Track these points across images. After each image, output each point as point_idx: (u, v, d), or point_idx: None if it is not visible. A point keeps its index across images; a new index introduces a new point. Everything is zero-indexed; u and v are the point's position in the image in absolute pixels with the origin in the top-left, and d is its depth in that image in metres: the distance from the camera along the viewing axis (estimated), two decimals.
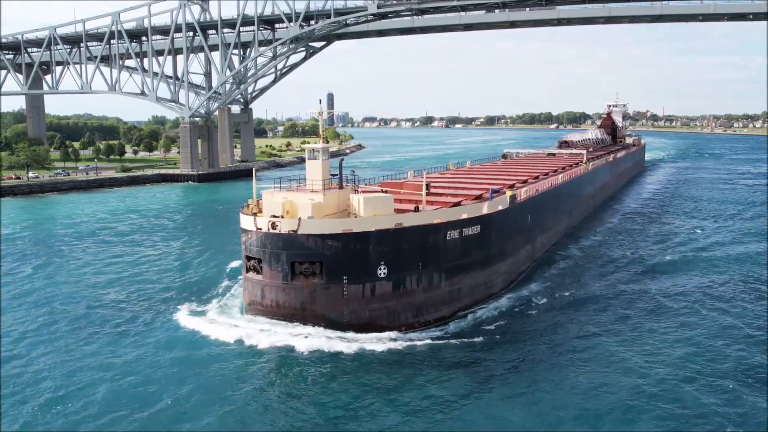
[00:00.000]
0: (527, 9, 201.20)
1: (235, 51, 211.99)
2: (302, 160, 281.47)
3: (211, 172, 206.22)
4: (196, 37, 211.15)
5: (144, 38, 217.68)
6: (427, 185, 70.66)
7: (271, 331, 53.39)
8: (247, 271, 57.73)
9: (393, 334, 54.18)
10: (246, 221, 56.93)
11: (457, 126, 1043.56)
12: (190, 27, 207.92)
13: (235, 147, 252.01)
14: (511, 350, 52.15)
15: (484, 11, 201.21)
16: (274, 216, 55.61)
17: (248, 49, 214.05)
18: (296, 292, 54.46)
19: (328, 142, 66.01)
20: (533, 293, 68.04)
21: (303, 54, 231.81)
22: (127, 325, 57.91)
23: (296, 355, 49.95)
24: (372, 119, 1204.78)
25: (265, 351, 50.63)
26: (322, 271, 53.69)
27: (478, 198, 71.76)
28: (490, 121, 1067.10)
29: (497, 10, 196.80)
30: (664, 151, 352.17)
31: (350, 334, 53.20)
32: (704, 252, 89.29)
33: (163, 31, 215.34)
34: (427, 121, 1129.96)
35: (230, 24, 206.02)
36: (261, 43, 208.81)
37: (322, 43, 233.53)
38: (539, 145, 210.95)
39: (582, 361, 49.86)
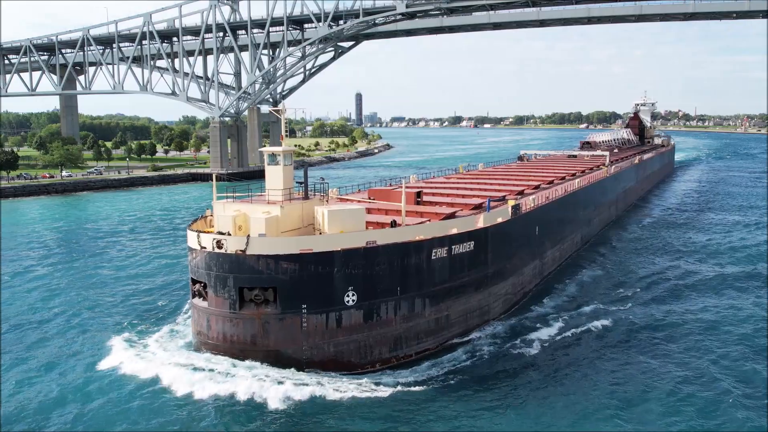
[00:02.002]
0: (556, 7, 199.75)
1: (265, 51, 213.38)
2: (331, 160, 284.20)
3: (241, 171, 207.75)
4: (226, 38, 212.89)
5: (175, 39, 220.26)
6: (418, 193, 65.16)
7: (213, 371, 44.73)
8: (193, 296, 49.60)
9: (362, 376, 45.59)
10: (191, 238, 48.37)
11: (485, 126, 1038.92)
12: (220, 27, 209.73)
13: (264, 146, 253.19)
14: (505, 395, 43.45)
15: (513, 10, 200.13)
16: (220, 233, 47.81)
17: (277, 49, 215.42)
18: (245, 323, 46.12)
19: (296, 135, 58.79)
20: (539, 319, 58.72)
21: (331, 54, 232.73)
22: (50, 350, 51.29)
23: (233, 406, 40.93)
24: (400, 119, 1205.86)
25: (192, 400, 41.61)
26: (276, 299, 45.46)
27: (478, 208, 64.21)
28: (519, 121, 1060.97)
29: (527, 8, 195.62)
30: (695, 152, 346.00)
31: (309, 377, 44.61)
32: (739, 268, 77.83)
33: (194, 31, 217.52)
34: (456, 121, 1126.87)
35: (260, 24, 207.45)
36: (290, 43, 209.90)
37: (351, 43, 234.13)
38: (567, 146, 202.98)
39: (597, 410, 41.22)
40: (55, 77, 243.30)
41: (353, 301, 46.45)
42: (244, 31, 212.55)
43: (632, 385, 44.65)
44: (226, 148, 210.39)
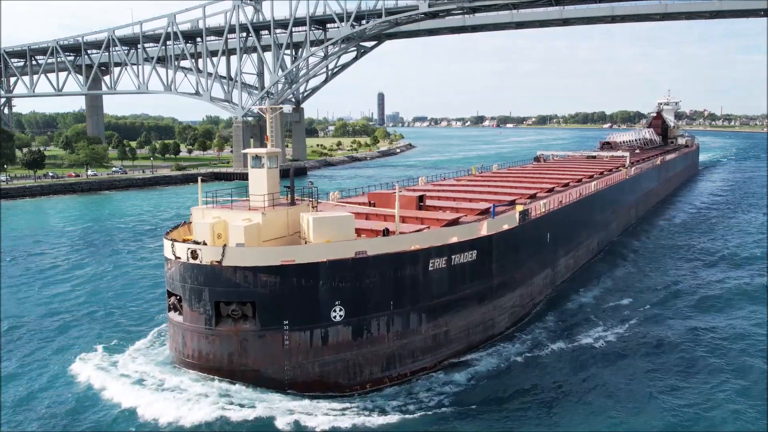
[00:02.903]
0: (580, 6, 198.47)
1: (287, 51, 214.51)
2: (353, 160, 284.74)
3: None
4: (249, 38, 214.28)
5: (199, 39, 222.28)
6: (420, 197, 60.99)
7: (183, 393, 41.20)
8: (169, 310, 46.31)
9: (349, 400, 41.86)
10: (167, 247, 44.86)
11: (508, 126, 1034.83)
12: (243, 28, 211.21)
13: (287, 146, 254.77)
14: (506, 421, 39.54)
15: (536, 9, 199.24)
16: (195, 242, 44.26)
17: (300, 49, 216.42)
18: (222, 340, 42.59)
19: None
20: (549, 334, 54.34)
21: (354, 54, 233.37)
22: (14, 362, 47.93)
23: None
24: (422, 119, 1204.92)
25: (157, 425, 38.01)
26: (255, 314, 41.85)
27: (485, 213, 59.52)
28: (542, 120, 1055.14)
29: (550, 7, 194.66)
30: (721, 152, 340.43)
31: (290, 400, 40.84)
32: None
33: (218, 32, 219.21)
34: (478, 120, 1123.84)
35: (282, 24, 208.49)
36: (312, 43, 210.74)
37: (373, 43, 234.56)
38: (590, 146, 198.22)
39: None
40: (80, 77, 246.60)
41: (341, 316, 42.57)
42: (267, 32, 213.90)
43: (660, 419, 39.20)
44: (249, 148, 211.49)
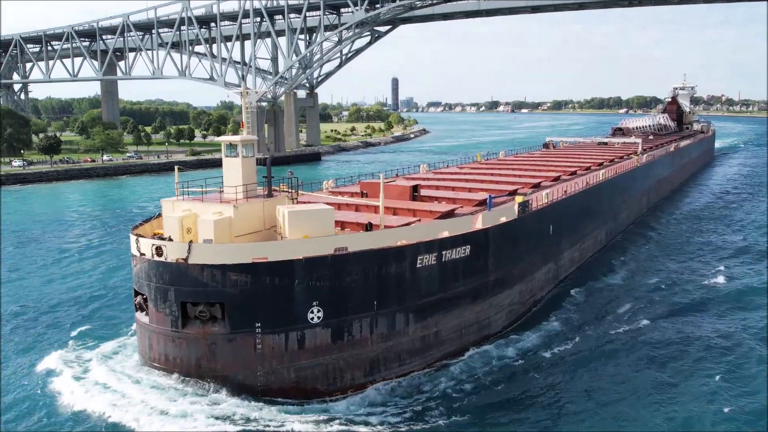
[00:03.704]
0: None
1: (302, 36, 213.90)
2: (367, 145, 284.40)
3: (277, 155, 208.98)
4: (263, 23, 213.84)
5: (213, 24, 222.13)
6: (414, 187, 58.15)
7: (148, 398, 38.40)
8: (136, 310, 43.20)
9: (328, 406, 38.97)
10: (132, 243, 41.62)
11: (523, 111, 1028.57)
12: (257, 13, 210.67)
13: (301, 131, 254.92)
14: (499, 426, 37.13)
15: None
16: (161, 237, 41.77)
17: (314, 34, 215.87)
18: (189, 343, 39.58)
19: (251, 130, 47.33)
20: (550, 333, 50.91)
21: (368, 38, 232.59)
22: None
23: None
24: (436, 104, 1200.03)
25: None
26: (225, 316, 38.80)
27: (483, 204, 56.47)
28: (557, 105, 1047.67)
29: None
30: (738, 137, 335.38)
31: (261, 408, 37.77)
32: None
33: (232, 17, 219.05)
34: (493, 105, 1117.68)
35: (296, 9, 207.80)
36: (326, 28, 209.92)
37: (387, 28, 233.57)
38: (605, 131, 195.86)
39: None
40: (96, 63, 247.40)
41: (319, 318, 39.52)
42: (281, 16, 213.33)
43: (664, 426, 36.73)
44: (263, 133, 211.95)
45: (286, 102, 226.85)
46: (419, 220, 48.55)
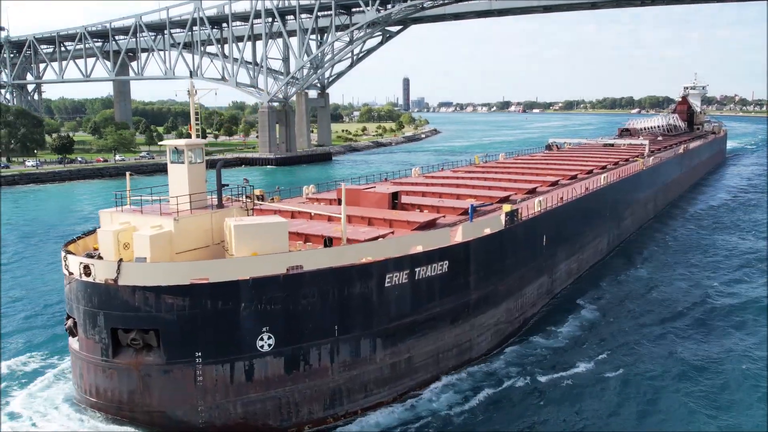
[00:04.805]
0: None
1: (313, 36, 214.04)
2: (378, 145, 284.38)
3: (289, 156, 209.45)
4: (274, 23, 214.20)
5: (224, 25, 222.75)
6: (394, 194, 54.03)
7: None
8: (69, 335, 38.29)
9: None
10: (63, 260, 36.80)
11: (534, 111, 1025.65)
12: (269, 13, 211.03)
13: (312, 132, 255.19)
14: None
15: None
16: (89, 255, 37.10)
17: (325, 34, 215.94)
18: (120, 374, 34.96)
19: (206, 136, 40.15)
20: (540, 357, 45.92)
21: (379, 38, 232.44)
22: None
23: None
24: (448, 104, 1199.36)
25: None
26: (160, 344, 34.32)
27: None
28: (569, 105, 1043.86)
29: None
30: (751, 138, 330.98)
31: None
32: None
33: (243, 17, 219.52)
34: (504, 106, 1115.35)
35: (308, 9, 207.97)
36: (338, 28, 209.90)
37: (399, 28, 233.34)
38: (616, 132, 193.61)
39: None
40: (108, 63, 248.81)
41: (270, 345, 35.14)
42: (292, 17, 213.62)
43: None
44: (274, 133, 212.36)
45: (298, 102, 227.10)
46: (392, 232, 44.32)
